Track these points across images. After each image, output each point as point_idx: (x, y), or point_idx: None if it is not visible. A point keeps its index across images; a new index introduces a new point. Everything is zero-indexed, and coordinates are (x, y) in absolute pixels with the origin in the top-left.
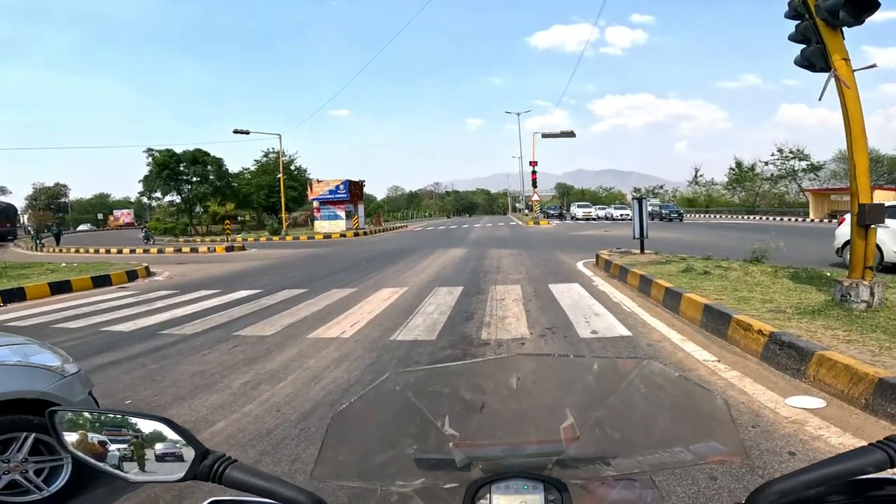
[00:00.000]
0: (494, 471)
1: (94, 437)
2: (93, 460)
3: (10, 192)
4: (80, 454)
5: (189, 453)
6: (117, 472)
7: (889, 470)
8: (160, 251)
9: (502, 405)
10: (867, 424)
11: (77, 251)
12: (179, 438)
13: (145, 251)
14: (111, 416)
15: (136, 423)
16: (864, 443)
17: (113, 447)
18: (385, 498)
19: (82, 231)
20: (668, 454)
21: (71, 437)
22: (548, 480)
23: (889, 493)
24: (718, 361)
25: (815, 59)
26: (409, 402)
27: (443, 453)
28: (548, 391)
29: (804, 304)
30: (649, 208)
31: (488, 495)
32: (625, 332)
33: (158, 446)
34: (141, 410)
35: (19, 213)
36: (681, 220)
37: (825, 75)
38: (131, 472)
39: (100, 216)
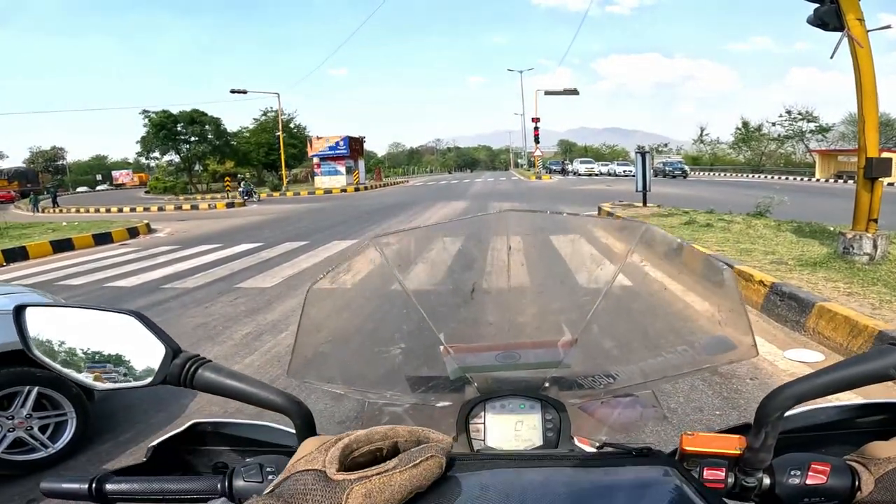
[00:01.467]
0: (489, 389)
1: (61, 340)
2: (59, 366)
3: (7, 157)
4: (45, 360)
5: (159, 351)
6: (84, 378)
7: None
8: (160, 209)
9: (494, 284)
10: None
11: (77, 211)
12: (151, 334)
13: (145, 209)
14: (81, 309)
15: (105, 319)
16: (861, 397)
17: (81, 350)
18: (373, 414)
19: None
20: (671, 356)
21: (39, 339)
22: (545, 398)
23: None
24: (718, 312)
25: (829, 17)
26: (393, 281)
27: (434, 364)
28: (542, 266)
29: (806, 257)
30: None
31: (483, 413)
32: (626, 282)
33: (128, 346)
34: (114, 307)
35: None
36: (685, 177)
37: (837, 36)
38: (98, 380)
39: (98, 177)
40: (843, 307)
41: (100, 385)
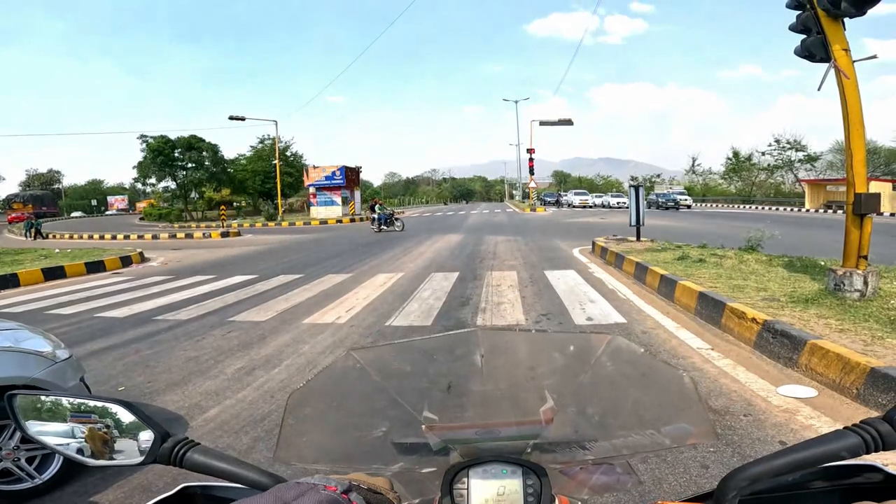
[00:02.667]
0: (472, 455)
1: (54, 423)
2: (53, 445)
3: (4, 179)
4: (41, 439)
5: (148, 436)
6: (78, 456)
7: (866, 455)
8: (154, 237)
9: (470, 383)
10: (858, 414)
11: (70, 237)
12: (139, 421)
13: (139, 237)
14: (71, 399)
15: (94, 407)
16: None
17: (73, 432)
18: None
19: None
20: (641, 437)
21: (32, 423)
22: (526, 465)
23: (867, 479)
24: (712, 349)
25: (816, 49)
26: (372, 382)
27: (416, 436)
28: (515, 368)
29: (798, 293)
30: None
31: (466, 479)
32: (620, 319)
33: (117, 431)
34: (103, 395)
35: (3, 199)
36: (677, 209)
37: (824, 66)
38: (91, 457)
39: (94, 202)
40: (835, 344)
41: (92, 462)
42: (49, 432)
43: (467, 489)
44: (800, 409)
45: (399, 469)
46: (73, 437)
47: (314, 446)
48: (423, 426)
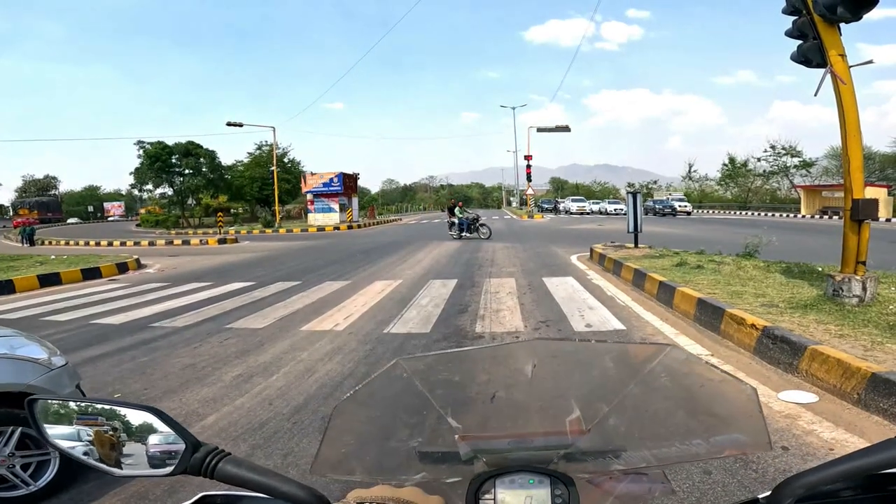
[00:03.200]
0: (499, 464)
1: (77, 429)
2: (76, 453)
3: (1, 184)
4: (62, 447)
5: (179, 446)
6: (102, 465)
7: None
8: (151, 244)
9: (515, 394)
10: (859, 419)
11: (67, 244)
12: (169, 430)
13: (136, 244)
14: (96, 405)
15: (122, 414)
16: (857, 437)
17: (98, 439)
18: None
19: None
20: (684, 447)
21: (53, 429)
22: (554, 475)
23: None
24: (711, 355)
25: (812, 54)
26: (415, 391)
27: (447, 446)
28: (564, 379)
29: (796, 299)
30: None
31: (493, 490)
32: (619, 325)
33: (147, 438)
34: (131, 402)
35: (9, 206)
36: (674, 216)
37: (820, 71)
38: (117, 466)
39: (90, 208)
40: (835, 350)
41: (118, 472)
42: (63, 435)
43: (493, 499)
44: (801, 415)
45: (422, 478)
46: (97, 444)
47: (350, 458)
48: (457, 436)
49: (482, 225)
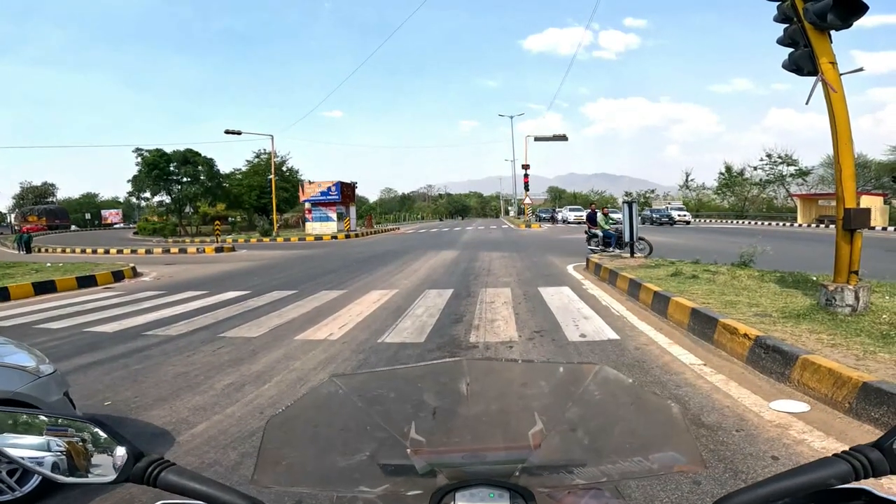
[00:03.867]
0: (459, 478)
1: (25, 438)
2: (23, 461)
3: None
4: (11, 453)
5: (121, 455)
6: (47, 472)
7: (856, 482)
8: (148, 252)
9: (456, 410)
10: (850, 428)
11: (63, 251)
12: (111, 439)
13: (132, 252)
14: (42, 417)
15: (67, 424)
16: (848, 446)
17: (44, 447)
18: None
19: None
20: (629, 463)
21: (7, 439)
22: (514, 488)
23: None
24: (704, 365)
25: (803, 62)
26: (355, 407)
27: (401, 459)
28: (502, 397)
29: (790, 308)
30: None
31: (452, 502)
32: (613, 335)
33: (90, 447)
34: (75, 414)
35: (7, 212)
36: (671, 225)
37: (812, 79)
38: (61, 474)
39: (87, 216)
40: (826, 359)
41: (61, 479)
42: (23, 445)
43: None
44: (792, 424)
45: (384, 491)
46: (49, 450)
47: (294, 469)
48: (409, 449)
49: (640, 239)
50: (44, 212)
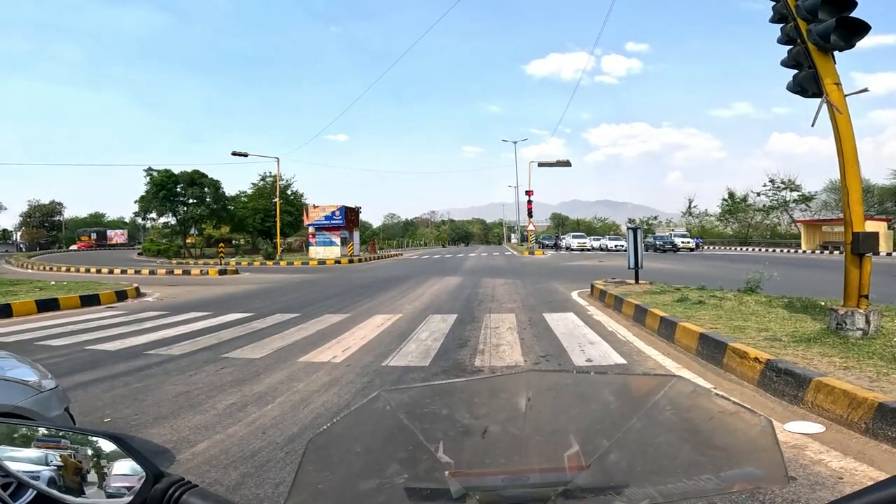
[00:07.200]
0: (493, 502)
1: (31, 453)
2: (27, 478)
3: (6, 209)
4: (13, 470)
5: (139, 475)
6: (54, 492)
7: None
8: (152, 272)
9: (509, 428)
10: (868, 448)
11: (68, 270)
12: (129, 458)
13: (136, 272)
14: (52, 430)
15: (80, 439)
16: (867, 466)
17: (52, 464)
18: None
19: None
20: (692, 482)
21: (5, 452)
22: None
23: None
24: (715, 388)
25: (808, 83)
26: (400, 425)
27: (436, 482)
28: (562, 412)
29: (799, 333)
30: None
31: None
32: (619, 359)
33: (105, 466)
34: (91, 427)
35: (14, 230)
36: (675, 252)
37: (817, 102)
38: (71, 495)
39: (93, 235)
40: (840, 381)
41: (68, 499)
42: (22, 458)
43: None
44: (808, 445)
45: None
46: (56, 467)
47: (326, 494)
48: (448, 472)
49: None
50: (93, 232)
